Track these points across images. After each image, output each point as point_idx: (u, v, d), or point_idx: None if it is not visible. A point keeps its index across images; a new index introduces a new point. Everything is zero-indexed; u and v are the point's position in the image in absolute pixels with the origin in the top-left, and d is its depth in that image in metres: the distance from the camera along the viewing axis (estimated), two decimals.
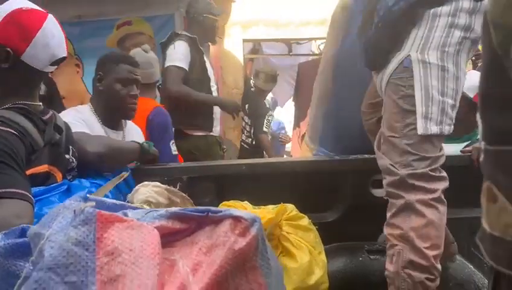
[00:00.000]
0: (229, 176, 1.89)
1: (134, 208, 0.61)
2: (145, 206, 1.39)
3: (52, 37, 1.34)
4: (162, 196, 1.46)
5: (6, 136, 1.20)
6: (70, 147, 1.52)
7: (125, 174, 1.43)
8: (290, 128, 5.82)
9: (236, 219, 0.51)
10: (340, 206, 1.95)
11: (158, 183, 1.48)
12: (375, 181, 1.90)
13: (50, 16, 1.36)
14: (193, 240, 0.50)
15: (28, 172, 1.25)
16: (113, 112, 1.92)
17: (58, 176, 1.42)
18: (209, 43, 3.25)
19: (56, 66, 1.42)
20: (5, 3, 1.35)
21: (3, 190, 1.10)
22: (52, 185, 1.34)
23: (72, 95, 3.74)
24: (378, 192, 1.88)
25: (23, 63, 1.32)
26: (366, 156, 1.91)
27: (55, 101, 2.82)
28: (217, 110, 3.20)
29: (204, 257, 0.48)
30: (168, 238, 0.49)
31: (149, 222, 0.50)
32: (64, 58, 1.42)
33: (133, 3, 3.75)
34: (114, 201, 0.62)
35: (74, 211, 0.46)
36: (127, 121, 2.03)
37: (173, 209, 0.52)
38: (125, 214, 0.56)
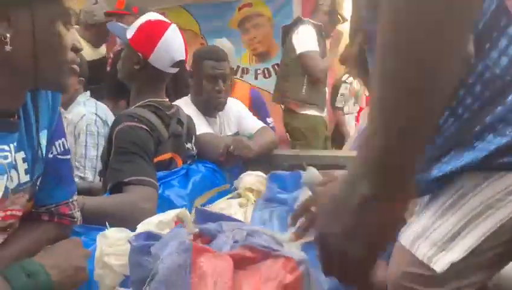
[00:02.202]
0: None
1: (230, 219, 0.79)
2: (247, 193, 1.61)
3: (173, 42, 1.58)
4: (262, 184, 1.64)
5: (140, 132, 1.47)
6: (193, 136, 1.78)
7: (226, 186, 1.64)
8: None
9: (288, 258, 0.66)
10: None
11: (260, 173, 1.67)
12: None
13: (172, 25, 1.59)
14: (257, 268, 0.66)
15: (156, 159, 1.52)
16: (205, 103, 2.04)
17: (179, 161, 1.68)
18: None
19: (178, 68, 1.66)
20: (142, 16, 1.65)
21: (134, 178, 1.36)
22: (173, 170, 1.61)
23: None
24: None
25: (150, 65, 1.57)
26: None
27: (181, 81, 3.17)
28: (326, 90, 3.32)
29: (262, 286, 0.64)
30: (240, 262, 0.66)
31: (229, 249, 0.68)
32: (184, 61, 1.66)
33: None
34: (216, 212, 0.81)
35: (179, 242, 0.65)
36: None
37: (249, 241, 0.68)
38: (221, 225, 0.74)
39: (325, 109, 3.42)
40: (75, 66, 0.86)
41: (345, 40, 3.43)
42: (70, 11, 0.82)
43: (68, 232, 1.04)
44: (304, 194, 0.98)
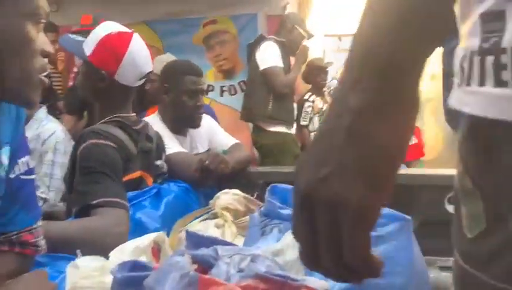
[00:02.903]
0: None
1: (224, 243, 0.70)
2: (224, 213, 1.52)
3: (138, 55, 1.48)
4: (240, 203, 1.56)
5: (106, 149, 1.36)
6: (163, 153, 1.68)
7: (209, 208, 1.52)
8: None
9: (309, 289, 0.58)
10: (413, 220, 1.94)
11: (237, 191, 1.58)
12: (452, 198, 1.86)
13: (135, 35, 1.50)
14: None
15: (124, 178, 1.41)
16: (180, 122, 1.96)
17: (149, 180, 1.57)
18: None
19: (144, 79, 1.57)
20: (96, 28, 1.52)
21: (103, 199, 1.24)
22: (144, 190, 1.50)
23: None
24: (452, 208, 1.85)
25: (116, 82, 1.47)
26: (443, 171, 1.89)
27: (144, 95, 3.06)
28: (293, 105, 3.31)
29: None
30: None
31: (238, 281, 0.59)
32: (151, 72, 1.57)
33: (218, 2, 3.89)
34: (208, 236, 0.71)
35: (181, 273, 0.56)
36: None
37: (260, 272, 0.60)
38: (216, 251, 0.65)
39: (294, 126, 3.40)
40: (44, 78, 0.75)
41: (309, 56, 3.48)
42: (40, 9, 0.72)
43: (31, 263, 0.92)
44: None
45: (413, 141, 2.53)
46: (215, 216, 1.52)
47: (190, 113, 1.94)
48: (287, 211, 1.00)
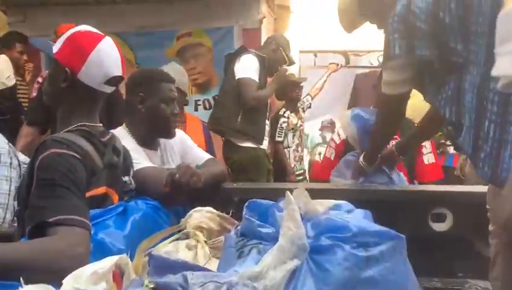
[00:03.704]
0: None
1: (195, 268, 0.59)
2: (197, 232, 1.40)
3: (106, 56, 1.37)
4: (214, 222, 1.44)
5: (69, 160, 1.23)
6: (131, 169, 1.55)
7: (180, 227, 1.41)
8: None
9: None
10: None
11: (211, 209, 1.47)
12: (435, 214, 1.80)
13: (107, 38, 1.40)
14: None
15: (88, 194, 1.27)
16: (153, 132, 1.84)
17: (115, 197, 1.44)
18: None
19: (113, 87, 1.44)
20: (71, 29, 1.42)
21: (64, 217, 1.11)
22: (108, 208, 1.36)
23: None
24: (437, 226, 1.79)
25: (80, 82, 1.36)
26: (426, 187, 1.83)
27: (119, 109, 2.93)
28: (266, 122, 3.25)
29: None
30: None
31: None
32: (121, 78, 1.44)
33: (193, 16, 3.82)
34: (176, 259, 0.60)
35: None
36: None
37: None
38: (185, 278, 0.54)
39: (265, 142, 3.32)
40: None
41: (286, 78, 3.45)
42: None
43: None
44: (285, 225, 0.79)
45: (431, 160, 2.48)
46: (186, 236, 1.40)
47: (167, 122, 1.83)
48: (267, 230, 0.89)
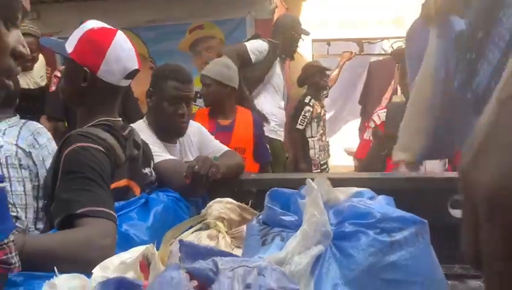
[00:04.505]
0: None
1: (223, 254, 0.60)
2: (218, 223, 1.41)
3: (122, 50, 1.38)
4: (234, 212, 1.46)
5: (95, 154, 1.25)
6: (151, 161, 1.57)
7: (202, 217, 1.40)
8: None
9: None
10: None
11: (231, 200, 1.48)
12: (455, 201, 1.79)
13: (119, 32, 1.41)
14: None
15: (111, 186, 1.30)
16: (164, 128, 1.86)
17: (137, 189, 1.47)
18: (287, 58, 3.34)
19: (130, 80, 1.46)
20: (80, 26, 1.42)
21: (91, 208, 1.13)
22: (131, 200, 1.39)
23: None
24: (457, 213, 1.78)
25: (100, 80, 1.37)
26: (446, 174, 1.81)
27: (131, 104, 2.96)
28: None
29: None
30: None
31: None
32: (137, 71, 1.45)
33: (205, 8, 3.82)
34: (206, 246, 0.62)
35: None
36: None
37: (272, 287, 0.51)
38: (216, 264, 0.55)
39: (281, 131, 3.33)
40: (9, 82, 0.63)
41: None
42: (14, 5, 0.62)
43: (3, 283, 0.81)
44: (308, 211, 0.80)
45: None
46: (207, 227, 1.42)
47: (170, 121, 1.83)
48: (289, 218, 0.90)
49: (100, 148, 1.27)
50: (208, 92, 2.63)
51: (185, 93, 1.83)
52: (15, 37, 0.70)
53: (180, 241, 0.63)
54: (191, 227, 1.42)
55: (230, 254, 0.64)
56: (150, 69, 4.02)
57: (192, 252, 0.59)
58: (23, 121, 1.83)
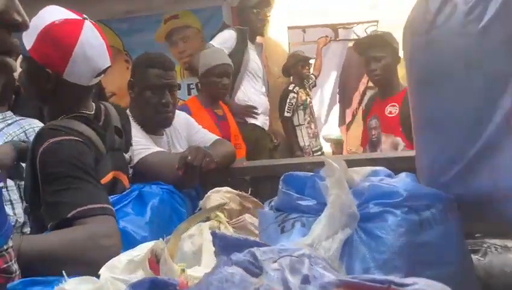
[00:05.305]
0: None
1: (260, 245, 0.55)
2: (218, 213, 1.36)
3: (91, 48, 1.21)
4: (235, 201, 1.41)
5: (71, 147, 1.13)
6: (130, 146, 1.48)
7: (219, 206, 1.32)
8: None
9: None
10: None
11: (230, 189, 1.43)
12: None
13: (86, 24, 1.22)
14: None
15: None
16: (149, 119, 1.76)
17: (124, 179, 1.39)
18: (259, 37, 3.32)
19: (102, 76, 1.31)
20: (37, 15, 1.22)
21: (82, 208, 1.04)
22: (123, 194, 1.31)
23: (123, 92, 3.74)
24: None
25: (67, 82, 1.21)
26: None
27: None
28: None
29: None
30: None
31: None
32: (109, 67, 1.30)
33: None
34: (238, 236, 0.56)
35: None
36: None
37: (344, 277, 0.46)
38: (254, 255, 0.49)
39: (263, 119, 3.28)
40: (10, 60, 0.56)
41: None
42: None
43: None
44: (332, 193, 0.75)
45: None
46: (207, 218, 1.36)
47: (154, 111, 1.73)
48: (307, 202, 0.85)
49: (75, 138, 1.16)
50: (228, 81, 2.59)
51: (167, 81, 1.73)
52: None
53: (213, 233, 0.57)
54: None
55: (262, 244, 0.58)
56: (125, 62, 3.89)
57: (225, 244, 0.54)
58: (17, 117, 1.74)
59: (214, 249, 0.62)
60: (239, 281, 0.44)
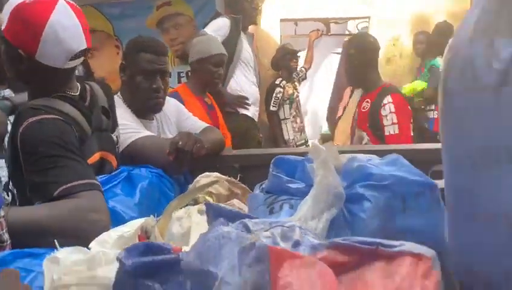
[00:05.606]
0: None
1: (252, 218, 0.57)
2: (207, 197, 1.37)
3: (63, 29, 1.17)
4: (223, 187, 1.42)
5: (52, 125, 1.12)
6: (116, 127, 1.48)
7: (214, 182, 1.33)
8: None
9: (418, 257, 0.46)
10: None
11: (219, 174, 1.45)
12: (434, 172, 1.82)
13: (59, 4, 1.17)
14: (360, 277, 0.46)
15: None
16: (139, 104, 1.76)
17: (112, 159, 1.39)
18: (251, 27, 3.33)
19: (81, 60, 1.27)
20: None
21: (67, 186, 1.04)
22: (111, 174, 1.32)
23: (113, 76, 3.73)
24: (437, 183, 1.81)
25: (40, 63, 1.18)
26: (425, 145, 1.84)
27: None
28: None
29: None
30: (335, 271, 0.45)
31: (310, 253, 0.46)
32: (88, 50, 1.27)
33: None
34: (231, 208, 0.58)
35: (244, 247, 0.42)
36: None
37: (336, 240, 0.48)
38: (246, 225, 0.51)
39: (254, 110, 3.30)
40: None
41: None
42: None
43: None
44: (318, 173, 0.77)
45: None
46: (196, 202, 1.38)
47: (145, 96, 1.73)
48: (297, 185, 0.88)
49: (55, 116, 1.15)
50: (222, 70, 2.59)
51: (159, 66, 1.73)
52: None
53: (207, 203, 0.59)
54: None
55: (251, 216, 0.60)
56: (115, 48, 3.87)
57: (218, 215, 0.55)
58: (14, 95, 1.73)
59: (202, 231, 0.64)
60: (235, 237, 0.45)
